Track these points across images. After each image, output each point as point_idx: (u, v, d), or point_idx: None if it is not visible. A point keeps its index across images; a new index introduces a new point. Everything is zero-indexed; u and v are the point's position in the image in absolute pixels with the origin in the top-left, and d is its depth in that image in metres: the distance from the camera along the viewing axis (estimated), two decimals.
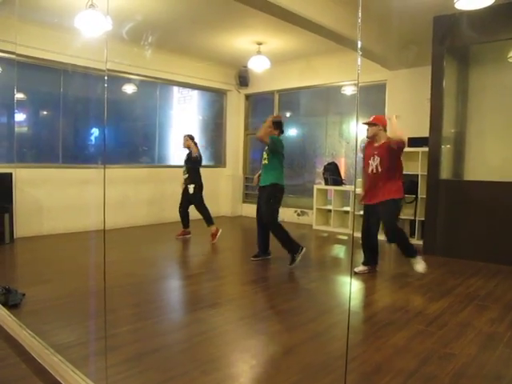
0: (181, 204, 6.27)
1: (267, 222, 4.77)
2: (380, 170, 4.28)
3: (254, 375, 2.36)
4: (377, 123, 4.34)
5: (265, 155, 4.90)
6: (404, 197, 4.56)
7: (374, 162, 4.32)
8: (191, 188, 6.10)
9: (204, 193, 6.21)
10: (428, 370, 2.43)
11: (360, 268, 4.55)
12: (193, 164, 6.16)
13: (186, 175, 6.17)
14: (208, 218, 6.11)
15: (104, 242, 2.52)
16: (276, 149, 4.80)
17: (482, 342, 2.84)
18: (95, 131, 7.10)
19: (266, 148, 4.87)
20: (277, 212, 4.83)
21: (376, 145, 4.36)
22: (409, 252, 4.38)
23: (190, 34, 6.50)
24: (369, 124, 4.38)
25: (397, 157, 4.27)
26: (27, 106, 6.50)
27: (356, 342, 2.79)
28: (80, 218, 6.39)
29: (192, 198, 6.12)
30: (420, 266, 4.34)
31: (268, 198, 4.77)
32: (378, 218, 4.44)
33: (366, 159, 4.44)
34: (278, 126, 4.91)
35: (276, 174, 4.82)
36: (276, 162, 4.84)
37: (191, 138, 6.24)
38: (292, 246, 4.73)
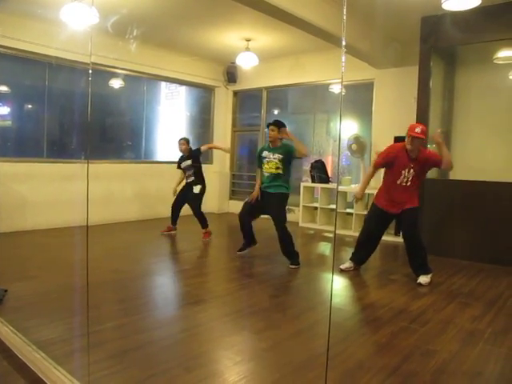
0: (177, 201, 6.22)
1: (283, 228, 4.64)
2: (410, 183, 4.15)
3: (238, 372, 2.36)
4: (423, 137, 4.08)
5: (277, 163, 4.65)
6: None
7: (409, 175, 4.12)
8: (197, 188, 6.05)
9: None
10: (410, 366, 2.46)
11: (346, 265, 4.57)
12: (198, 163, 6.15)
13: (193, 177, 6.10)
14: (205, 221, 6.10)
15: (87, 237, 2.49)
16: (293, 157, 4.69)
17: (463, 338, 2.89)
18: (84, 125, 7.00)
19: (277, 155, 4.65)
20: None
21: (413, 157, 4.11)
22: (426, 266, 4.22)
23: (178, 28, 6.46)
24: (417, 137, 4.04)
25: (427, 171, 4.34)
26: (11, 99, 6.40)
27: (339, 339, 2.81)
28: (64, 213, 6.31)
29: (196, 198, 6.07)
30: (426, 279, 4.17)
31: (282, 205, 4.71)
32: (388, 224, 4.52)
33: (396, 168, 4.17)
34: (281, 127, 4.72)
35: (288, 183, 4.76)
36: (289, 169, 4.76)
37: (187, 141, 6.23)
38: (294, 252, 4.74)
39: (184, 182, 6.25)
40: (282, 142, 4.75)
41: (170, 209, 6.23)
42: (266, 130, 4.89)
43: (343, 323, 3.17)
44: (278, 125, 4.71)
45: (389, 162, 4.21)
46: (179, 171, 6.27)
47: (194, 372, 2.33)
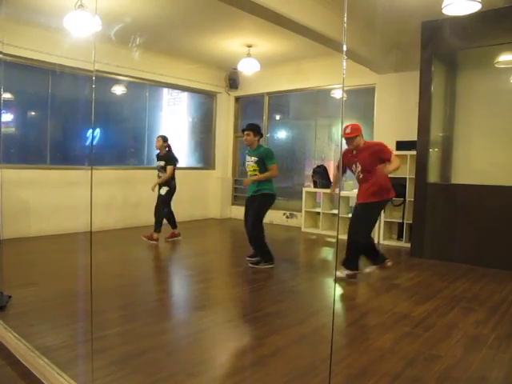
0: (156, 205, 6.14)
1: (253, 229, 4.75)
2: (365, 174, 4.35)
3: (242, 378, 2.36)
4: (353, 136, 4.26)
5: (254, 166, 4.76)
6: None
7: (357, 167, 4.35)
8: (163, 190, 6.01)
9: (193, 195, 6.14)
10: (413, 372, 2.45)
11: (340, 273, 4.44)
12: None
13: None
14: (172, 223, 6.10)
15: (91, 243, 2.50)
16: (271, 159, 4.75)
17: (467, 343, 2.88)
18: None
19: (253, 158, 4.76)
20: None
21: (355, 151, 4.38)
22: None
23: (180, 35, 6.50)
24: (348, 138, 4.31)
25: None
26: (14, 107, 6.44)
27: (342, 345, 2.81)
28: (67, 219, 6.33)
29: (162, 200, 6.03)
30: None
31: (261, 205, 4.76)
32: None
33: (348, 166, 4.49)
34: (256, 130, 4.81)
35: (269, 184, 4.79)
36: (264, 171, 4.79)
37: (164, 139, 6.14)
38: (267, 256, 4.79)
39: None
40: (259, 145, 4.84)
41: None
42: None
43: (346, 329, 3.17)
44: (254, 129, 4.81)
45: (344, 162, 4.51)
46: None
47: (198, 378, 2.33)
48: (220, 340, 2.94)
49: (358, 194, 4.44)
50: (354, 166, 4.36)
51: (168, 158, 6.04)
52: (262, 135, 4.91)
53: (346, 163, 4.46)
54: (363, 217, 4.31)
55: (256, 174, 4.75)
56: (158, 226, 5.97)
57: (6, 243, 5.66)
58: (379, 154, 4.21)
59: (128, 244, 6.20)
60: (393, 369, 2.47)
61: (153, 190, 6.08)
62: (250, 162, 4.80)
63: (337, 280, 4.44)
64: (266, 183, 4.77)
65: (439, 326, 3.18)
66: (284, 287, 4.36)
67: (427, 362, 2.58)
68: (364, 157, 4.26)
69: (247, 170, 4.88)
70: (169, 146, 6.12)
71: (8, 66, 5.99)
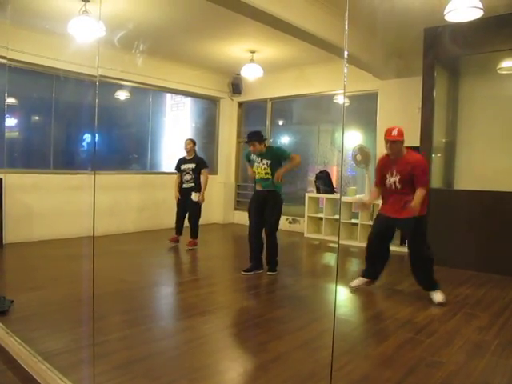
0: (180, 210, 6.20)
1: (273, 230, 4.74)
2: (400, 186, 3.99)
3: (243, 383, 2.36)
4: (400, 139, 3.93)
5: (266, 169, 4.71)
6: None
7: (394, 178, 4.00)
8: (196, 196, 5.99)
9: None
10: (415, 378, 2.44)
11: (357, 282, 4.36)
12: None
13: (192, 183, 6.05)
14: (197, 232, 6.10)
15: (93, 248, 2.50)
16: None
17: (469, 350, 2.86)
18: (87, 137, 7.09)
19: (266, 161, 4.72)
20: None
21: (394, 159, 4.03)
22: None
23: (183, 41, 6.53)
24: (394, 140, 3.92)
25: None
26: (18, 111, 6.47)
27: (344, 351, 2.80)
28: (70, 224, 6.35)
29: (195, 206, 6.04)
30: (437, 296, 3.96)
31: (275, 206, 4.74)
32: (391, 230, 4.27)
33: (384, 173, 4.10)
34: (259, 140, 4.75)
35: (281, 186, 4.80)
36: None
37: (194, 142, 6.21)
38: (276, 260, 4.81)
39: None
40: (267, 147, 4.82)
41: (175, 218, 6.23)
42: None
43: (348, 334, 3.16)
44: (257, 139, 4.74)
45: (378, 169, 4.16)
46: (175, 176, 6.25)
47: (200, 383, 2.32)
48: (221, 346, 2.94)
49: (388, 206, 4.08)
50: (388, 173, 3.99)
51: (200, 160, 6.09)
52: (265, 139, 4.89)
53: (380, 170, 4.11)
54: (422, 230, 4.03)
55: (268, 178, 4.70)
56: (196, 232, 6.05)
57: (9, 247, 5.68)
58: (416, 173, 3.84)
59: (130, 249, 6.20)
60: (394, 375, 2.46)
61: (177, 198, 6.11)
62: (261, 164, 4.74)
63: (354, 289, 4.30)
64: (279, 185, 4.78)
65: (441, 332, 3.17)
66: (286, 293, 4.35)
67: (429, 368, 2.57)
68: (405, 167, 3.88)
69: (256, 172, 4.80)
70: (195, 150, 6.19)
71: (12, 72, 6.03)
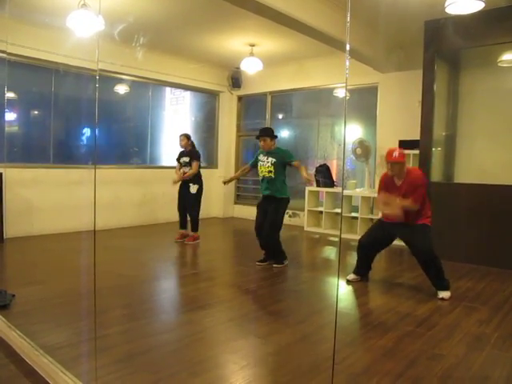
0: (180, 203, 6.19)
1: (272, 231, 4.78)
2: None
3: (244, 376, 2.37)
4: (403, 160, 3.94)
5: (270, 167, 4.74)
6: None
7: (398, 196, 4.01)
8: (194, 188, 6.02)
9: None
10: (416, 371, 2.45)
11: (352, 276, 4.42)
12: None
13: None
14: (197, 225, 6.10)
15: (94, 242, 2.51)
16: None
17: (470, 342, 2.88)
18: (87, 131, 7.08)
19: (271, 159, 4.74)
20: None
21: (399, 181, 4.02)
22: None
23: (183, 35, 6.50)
24: (396, 162, 3.92)
25: None
26: (18, 106, 6.46)
27: (345, 344, 2.81)
28: (70, 218, 6.35)
29: (193, 199, 6.05)
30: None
31: (279, 209, 4.82)
32: (387, 238, 4.27)
33: (388, 192, 4.10)
34: (271, 135, 4.81)
35: (286, 187, 4.85)
36: (283, 173, 4.83)
37: (187, 137, 6.21)
38: (284, 254, 4.90)
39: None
40: (276, 147, 4.87)
41: (178, 213, 6.22)
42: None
43: (349, 327, 3.18)
44: (269, 134, 4.81)
45: (381, 189, 4.15)
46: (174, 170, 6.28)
47: (200, 377, 2.34)
48: (222, 339, 2.95)
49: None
50: (392, 192, 4.00)
51: (193, 153, 6.11)
52: (276, 137, 4.92)
53: (383, 189, 4.11)
54: (428, 235, 4.03)
55: (271, 176, 4.74)
56: (196, 224, 6.06)
57: (10, 242, 5.69)
58: (416, 187, 3.88)
59: (131, 243, 6.21)
60: (395, 368, 2.48)
61: (175, 183, 6.12)
62: (265, 162, 4.77)
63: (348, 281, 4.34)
64: (285, 187, 4.82)
65: (442, 325, 3.18)
66: (287, 286, 4.37)
67: (429, 361, 2.58)
68: (407, 188, 3.91)
69: (260, 171, 4.84)
70: (193, 143, 6.22)
71: (12, 66, 6.01)
